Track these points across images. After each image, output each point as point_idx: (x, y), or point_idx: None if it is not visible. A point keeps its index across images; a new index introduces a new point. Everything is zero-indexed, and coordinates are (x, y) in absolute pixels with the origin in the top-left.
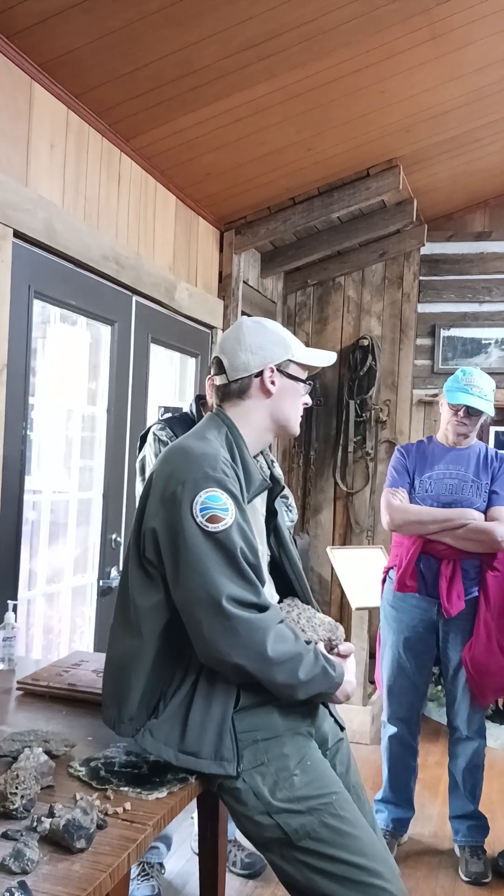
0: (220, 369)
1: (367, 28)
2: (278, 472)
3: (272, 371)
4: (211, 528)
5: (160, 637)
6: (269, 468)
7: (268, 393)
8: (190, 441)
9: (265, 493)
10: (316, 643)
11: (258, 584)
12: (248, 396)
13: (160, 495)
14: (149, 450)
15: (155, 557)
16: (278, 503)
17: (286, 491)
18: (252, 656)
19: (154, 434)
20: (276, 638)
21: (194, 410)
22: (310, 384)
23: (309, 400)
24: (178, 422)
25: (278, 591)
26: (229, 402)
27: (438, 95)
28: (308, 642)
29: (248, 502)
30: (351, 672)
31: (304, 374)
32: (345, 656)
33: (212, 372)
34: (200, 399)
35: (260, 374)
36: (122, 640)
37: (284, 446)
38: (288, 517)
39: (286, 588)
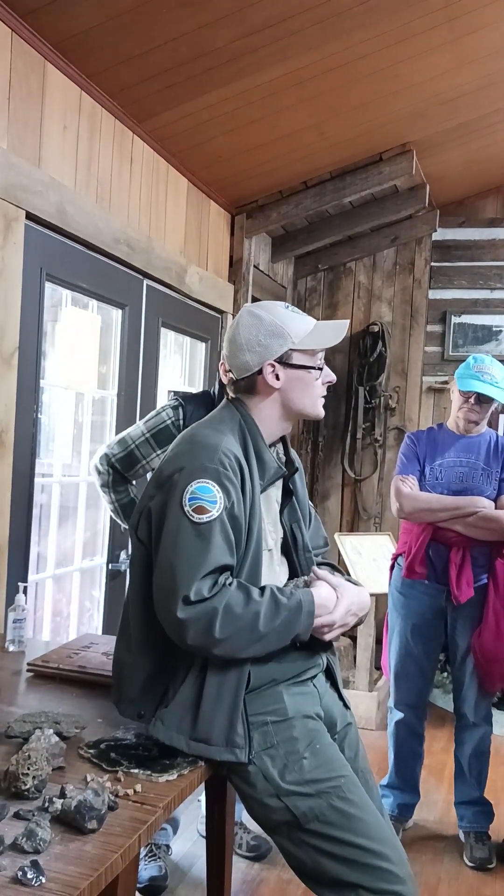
0: (229, 367)
1: (383, 10)
2: (294, 454)
3: (272, 366)
4: (196, 518)
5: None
6: (285, 454)
7: (273, 388)
8: (200, 428)
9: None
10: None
11: (221, 584)
12: (257, 392)
13: (157, 478)
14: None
15: (146, 537)
16: (293, 481)
17: None
18: (207, 644)
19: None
20: (225, 614)
21: (216, 391)
22: (320, 367)
23: (331, 377)
24: (199, 400)
25: (288, 567)
26: (242, 395)
27: (453, 79)
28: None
29: (263, 490)
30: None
31: (313, 359)
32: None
33: (224, 364)
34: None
35: (261, 370)
36: (125, 628)
37: (293, 432)
38: None
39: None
